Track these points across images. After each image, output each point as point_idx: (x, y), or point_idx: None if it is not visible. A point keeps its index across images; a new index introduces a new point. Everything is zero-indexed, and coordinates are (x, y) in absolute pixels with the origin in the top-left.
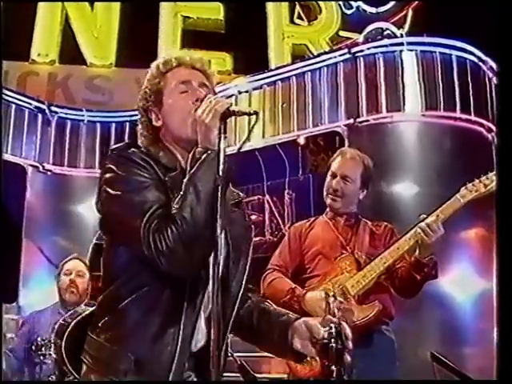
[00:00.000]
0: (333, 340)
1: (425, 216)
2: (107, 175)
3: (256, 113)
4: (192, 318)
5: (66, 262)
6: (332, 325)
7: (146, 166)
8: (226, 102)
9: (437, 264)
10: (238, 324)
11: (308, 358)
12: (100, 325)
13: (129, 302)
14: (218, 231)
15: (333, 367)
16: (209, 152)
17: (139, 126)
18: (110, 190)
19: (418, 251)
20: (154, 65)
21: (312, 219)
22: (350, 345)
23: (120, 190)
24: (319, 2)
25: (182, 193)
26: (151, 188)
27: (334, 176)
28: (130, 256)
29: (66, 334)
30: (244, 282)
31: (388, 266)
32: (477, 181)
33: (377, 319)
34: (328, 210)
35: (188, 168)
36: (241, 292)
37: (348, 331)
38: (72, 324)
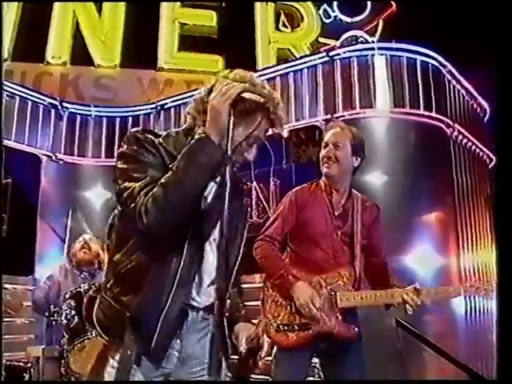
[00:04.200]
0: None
1: (418, 286)
2: (119, 150)
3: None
4: (187, 284)
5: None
6: (252, 343)
7: (151, 150)
8: (239, 87)
9: None
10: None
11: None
12: (108, 286)
13: (129, 268)
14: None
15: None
16: (203, 135)
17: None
18: (118, 163)
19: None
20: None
21: (313, 187)
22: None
23: (125, 164)
24: (301, 12)
25: (176, 163)
26: (151, 168)
27: (326, 145)
28: (129, 226)
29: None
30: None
31: (377, 303)
32: (468, 284)
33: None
34: (323, 180)
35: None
36: (242, 243)
37: (265, 346)
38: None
